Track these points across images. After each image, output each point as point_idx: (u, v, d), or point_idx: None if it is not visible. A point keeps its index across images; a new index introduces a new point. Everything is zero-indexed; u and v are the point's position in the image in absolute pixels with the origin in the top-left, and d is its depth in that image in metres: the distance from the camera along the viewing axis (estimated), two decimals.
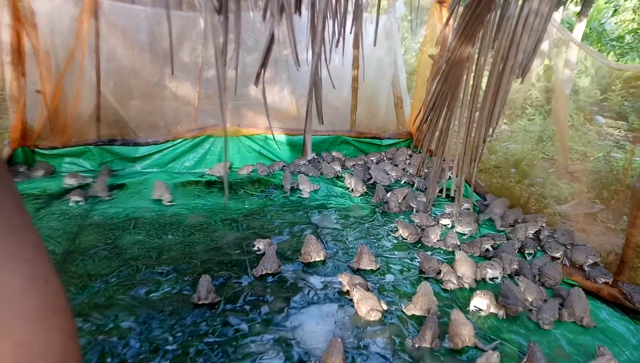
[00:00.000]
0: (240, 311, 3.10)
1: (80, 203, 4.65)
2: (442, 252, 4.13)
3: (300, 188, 5.40)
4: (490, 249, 4.14)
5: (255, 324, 2.98)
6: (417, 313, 3.17)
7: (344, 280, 3.40)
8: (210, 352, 2.71)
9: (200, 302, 3.12)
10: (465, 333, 2.86)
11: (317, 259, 3.83)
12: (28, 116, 5.42)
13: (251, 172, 5.85)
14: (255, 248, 3.93)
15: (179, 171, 5.99)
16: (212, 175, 5.73)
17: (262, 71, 2.04)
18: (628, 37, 13.26)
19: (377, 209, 5.03)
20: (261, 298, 3.27)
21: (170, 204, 4.85)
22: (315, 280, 3.57)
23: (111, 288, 3.28)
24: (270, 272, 3.58)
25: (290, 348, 2.79)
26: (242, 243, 4.10)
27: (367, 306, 3.10)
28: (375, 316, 3.08)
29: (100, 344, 2.69)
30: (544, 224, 4.48)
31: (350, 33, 2.31)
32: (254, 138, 6.33)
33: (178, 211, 4.73)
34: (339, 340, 2.68)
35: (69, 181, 5.02)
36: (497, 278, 3.66)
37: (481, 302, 3.25)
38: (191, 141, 6.04)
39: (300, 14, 2.01)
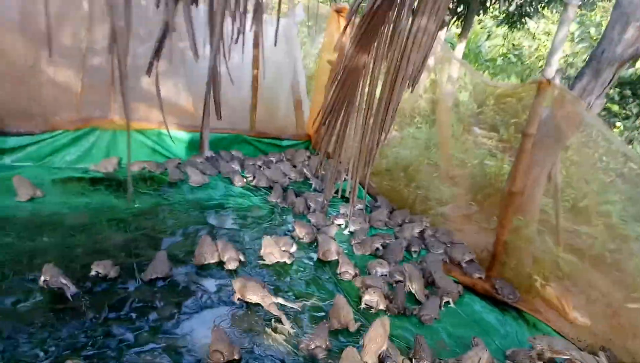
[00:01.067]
0: (125, 320, 2.89)
1: None
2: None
3: (190, 178, 5.36)
4: (380, 248, 4.38)
5: (142, 333, 2.81)
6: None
7: (236, 285, 3.31)
8: None
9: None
10: (343, 315, 3.12)
11: (212, 261, 3.72)
12: None
13: (143, 169, 5.48)
14: (94, 273, 3.30)
15: (59, 165, 5.37)
16: (98, 171, 5.25)
17: (156, 61, 1.92)
18: (499, 60, 15.04)
19: (275, 209, 5.04)
20: (149, 304, 3.09)
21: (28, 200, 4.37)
22: (209, 283, 3.47)
23: None
24: (160, 276, 3.39)
25: (181, 356, 2.68)
26: (130, 246, 3.83)
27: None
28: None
29: None
30: (427, 224, 4.86)
31: (250, 31, 2.28)
32: (147, 133, 5.95)
33: (57, 210, 4.27)
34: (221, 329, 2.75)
35: None
36: (386, 275, 3.88)
37: (371, 300, 3.42)
38: (73, 133, 5.48)
39: (197, 4, 1.93)
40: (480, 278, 4.09)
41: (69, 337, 2.67)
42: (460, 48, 11.51)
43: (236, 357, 2.69)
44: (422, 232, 4.79)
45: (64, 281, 3.03)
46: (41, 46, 5.49)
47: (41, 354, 2.51)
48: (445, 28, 11.60)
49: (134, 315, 2.95)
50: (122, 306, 3.01)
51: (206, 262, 3.70)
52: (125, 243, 3.89)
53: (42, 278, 3.05)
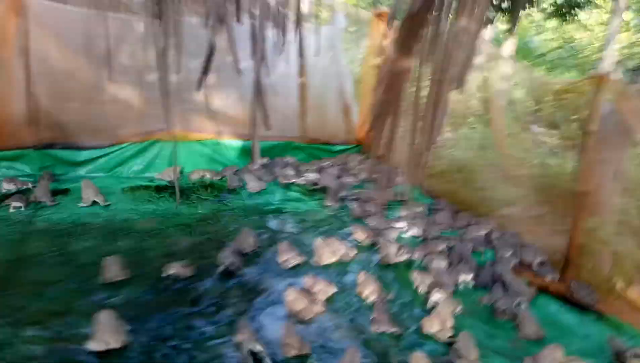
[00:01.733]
0: (204, 314, 3.07)
1: (21, 209, 4.36)
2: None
3: (248, 184, 5.55)
4: (446, 250, 4.33)
5: (219, 326, 2.97)
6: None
7: (308, 282, 3.46)
8: (176, 355, 2.66)
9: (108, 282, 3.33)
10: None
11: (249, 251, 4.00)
12: None
13: (202, 177, 5.76)
14: (169, 273, 3.50)
15: (127, 175, 5.76)
16: (162, 180, 5.57)
17: (204, 77, 2.07)
18: (551, 55, 14.49)
19: (332, 213, 5.12)
20: (224, 300, 3.26)
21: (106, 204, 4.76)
22: (278, 282, 3.60)
23: (68, 294, 3.13)
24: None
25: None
26: (197, 249, 4.04)
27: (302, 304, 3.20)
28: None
29: (59, 352, 2.56)
30: (494, 226, 4.72)
31: (294, 42, 2.39)
32: (205, 143, 6.24)
33: (128, 216, 4.57)
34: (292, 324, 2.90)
35: (7, 186, 4.68)
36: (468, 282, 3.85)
37: (439, 298, 3.44)
38: (139, 145, 5.85)
39: (239, 20, 2.06)
40: (553, 280, 3.99)
41: (156, 329, 2.87)
42: (510, 44, 11.20)
43: (307, 352, 2.79)
44: (488, 234, 4.69)
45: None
46: (104, 66, 5.91)
47: (133, 343, 2.71)
48: (491, 25, 11.34)
49: (211, 310, 3.12)
50: (200, 302, 3.20)
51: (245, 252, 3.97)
52: (192, 246, 4.10)
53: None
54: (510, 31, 11.36)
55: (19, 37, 5.25)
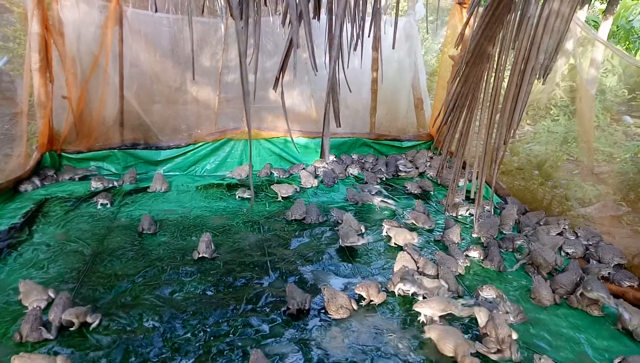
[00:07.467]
0: (261, 312, 3.14)
1: (107, 206, 4.78)
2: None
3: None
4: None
5: (275, 325, 3.02)
6: None
7: (362, 291, 3.32)
8: (231, 352, 2.75)
9: (199, 256, 3.80)
10: None
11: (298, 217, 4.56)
12: (55, 121, 5.57)
13: (270, 174, 5.92)
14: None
15: (201, 174, 6.09)
16: (233, 178, 5.79)
17: (281, 75, 2.07)
18: None
19: (396, 211, 5.01)
20: (281, 299, 3.29)
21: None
22: (336, 281, 3.59)
23: (137, 288, 3.36)
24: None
25: (310, 349, 2.81)
26: (264, 245, 4.15)
27: (337, 304, 3.13)
28: (343, 313, 3.10)
29: (125, 343, 2.76)
30: (566, 227, 4.39)
31: (369, 36, 2.32)
32: (274, 141, 6.39)
33: (201, 213, 4.82)
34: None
35: (95, 185, 5.15)
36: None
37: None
38: (212, 145, 6.14)
39: (319, 18, 2.03)
40: (631, 286, 3.54)
41: (214, 325, 2.99)
42: (606, 26, 10.08)
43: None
44: (559, 235, 4.34)
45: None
46: (187, 69, 6.25)
47: (192, 338, 2.85)
48: (587, 6, 10.25)
49: (268, 309, 3.18)
50: (258, 300, 3.27)
51: (292, 218, 4.60)
52: (259, 242, 4.22)
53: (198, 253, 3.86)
54: (608, 11, 10.20)
55: (115, 44, 5.75)
